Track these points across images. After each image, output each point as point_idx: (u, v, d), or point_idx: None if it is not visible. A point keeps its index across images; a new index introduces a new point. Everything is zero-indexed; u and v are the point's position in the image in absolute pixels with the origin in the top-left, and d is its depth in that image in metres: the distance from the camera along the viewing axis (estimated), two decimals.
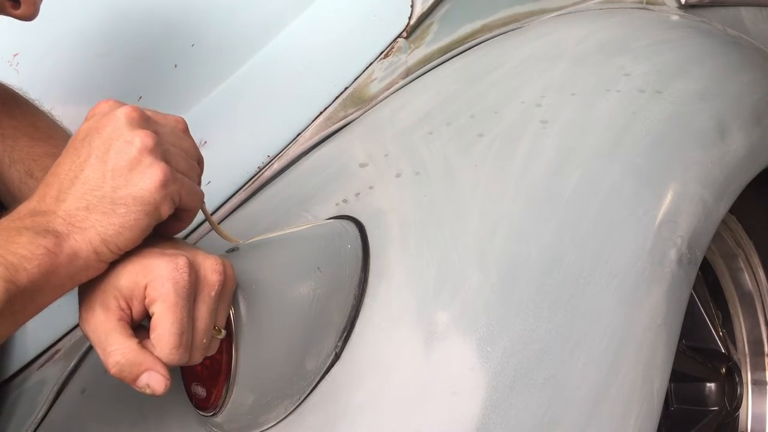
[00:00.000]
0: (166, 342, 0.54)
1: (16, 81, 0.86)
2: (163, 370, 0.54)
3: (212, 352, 0.58)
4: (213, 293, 0.56)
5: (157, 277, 0.54)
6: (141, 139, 0.54)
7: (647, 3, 1.13)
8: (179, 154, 0.58)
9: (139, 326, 0.57)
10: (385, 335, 0.65)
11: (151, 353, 0.54)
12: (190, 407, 0.64)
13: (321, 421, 0.64)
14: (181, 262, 0.55)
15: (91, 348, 0.76)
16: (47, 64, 0.99)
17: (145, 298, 0.55)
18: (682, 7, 1.17)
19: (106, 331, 0.54)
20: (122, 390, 0.72)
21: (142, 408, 0.70)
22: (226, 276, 0.57)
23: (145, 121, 0.56)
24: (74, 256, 0.53)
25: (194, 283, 0.55)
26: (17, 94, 0.83)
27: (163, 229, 0.58)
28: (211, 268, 0.56)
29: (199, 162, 0.61)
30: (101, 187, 0.54)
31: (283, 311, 0.63)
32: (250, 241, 0.65)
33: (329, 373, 0.65)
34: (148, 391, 0.53)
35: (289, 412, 0.64)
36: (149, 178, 0.54)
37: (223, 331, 0.58)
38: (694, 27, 1.08)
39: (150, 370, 0.53)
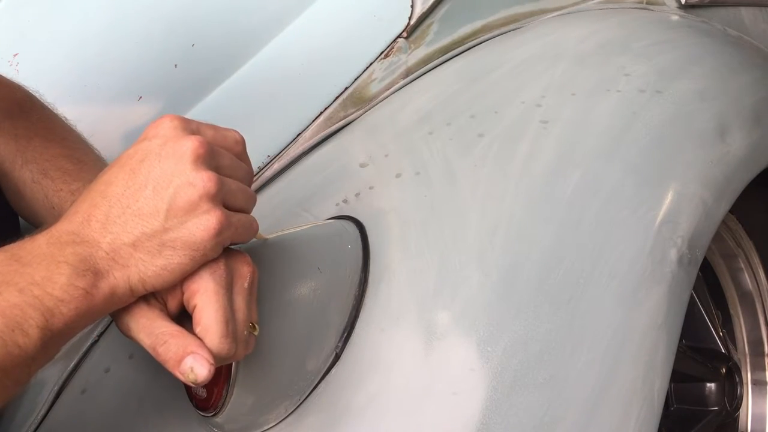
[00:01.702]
0: (215, 331, 0.53)
1: (15, 81, 0.86)
2: (208, 355, 0.52)
3: (250, 349, 0.57)
4: (246, 284, 0.56)
5: (194, 273, 0.54)
6: (204, 183, 0.52)
7: (647, 3, 1.13)
8: (239, 191, 0.56)
9: None
10: (386, 335, 0.65)
11: (199, 340, 0.53)
12: (191, 407, 0.64)
13: (321, 422, 0.64)
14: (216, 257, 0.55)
15: (91, 348, 0.76)
16: (47, 64, 0.99)
17: (182, 293, 0.55)
18: (682, 7, 1.17)
19: (151, 318, 0.54)
20: (122, 390, 0.72)
21: (143, 408, 0.70)
22: (254, 268, 0.57)
23: (210, 157, 0.54)
24: (111, 294, 0.52)
25: (230, 275, 0.55)
26: (33, 96, 0.83)
27: None
28: (241, 260, 0.56)
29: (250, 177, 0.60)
30: (152, 223, 0.52)
31: (283, 311, 0.63)
32: (249, 241, 0.65)
33: (329, 374, 0.65)
34: (191, 376, 0.51)
35: (289, 412, 0.64)
36: (203, 225, 0.52)
37: (258, 328, 0.57)
38: (694, 27, 1.08)
39: (195, 354, 0.51)
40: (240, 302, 0.55)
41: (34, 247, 0.51)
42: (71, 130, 0.82)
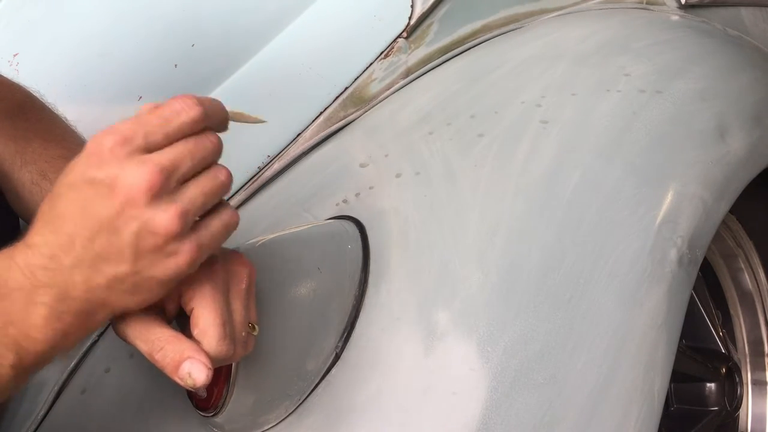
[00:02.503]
0: (212, 334, 0.53)
1: (15, 81, 0.86)
2: (205, 359, 0.52)
3: (249, 349, 0.57)
4: (243, 286, 0.56)
5: (190, 277, 0.53)
6: (165, 227, 0.48)
7: (647, 3, 1.13)
8: (208, 199, 0.51)
9: None
10: (386, 335, 0.65)
11: (196, 344, 0.53)
12: (191, 407, 0.64)
13: (321, 422, 0.64)
14: (212, 258, 0.54)
15: (91, 348, 0.76)
16: (47, 64, 0.99)
17: (179, 297, 0.55)
18: (682, 7, 1.17)
19: (147, 324, 0.53)
20: (122, 390, 0.72)
21: (143, 408, 0.70)
22: (251, 269, 0.57)
23: (166, 183, 0.48)
24: (89, 327, 0.52)
25: (227, 277, 0.55)
26: (34, 96, 0.83)
27: None
28: (238, 262, 0.56)
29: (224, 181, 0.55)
30: (121, 267, 0.49)
31: (284, 311, 0.63)
32: (250, 241, 0.65)
33: (329, 374, 0.65)
34: (189, 381, 0.51)
35: (289, 412, 0.64)
36: (174, 264, 0.50)
37: (257, 327, 0.57)
38: (694, 27, 1.08)
39: (192, 358, 0.51)
40: (237, 304, 0.55)
41: (9, 278, 0.50)
42: (71, 132, 0.82)
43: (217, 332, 0.53)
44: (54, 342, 0.50)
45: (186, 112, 0.51)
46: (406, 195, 0.73)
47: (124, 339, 0.55)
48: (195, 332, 0.53)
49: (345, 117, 0.89)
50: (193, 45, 0.95)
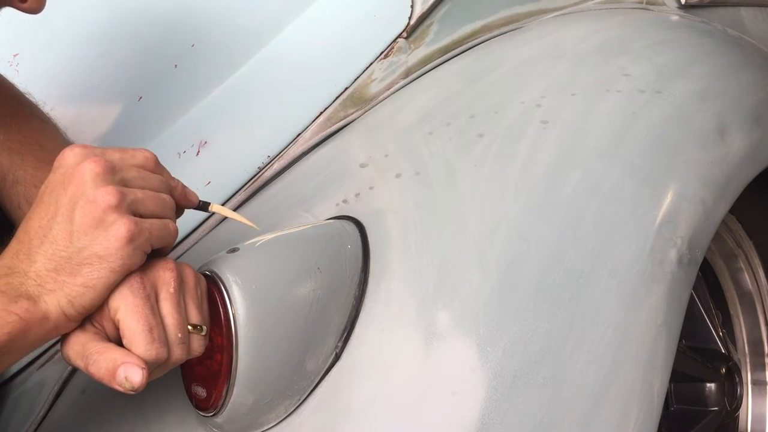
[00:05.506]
0: (138, 340, 0.55)
1: (16, 81, 0.87)
2: (137, 361, 0.54)
3: (197, 349, 0.59)
4: (171, 289, 0.57)
5: (113, 292, 0.56)
6: (104, 197, 0.54)
7: (647, 3, 1.13)
8: (148, 198, 0.57)
9: None
10: (386, 335, 0.65)
11: (126, 350, 0.55)
12: (190, 407, 0.64)
13: (321, 422, 0.64)
14: (131, 272, 0.56)
15: None
16: (47, 64, 0.99)
17: (110, 312, 0.56)
18: (682, 7, 1.17)
19: (83, 343, 0.56)
20: None
21: (143, 408, 0.70)
22: (180, 272, 0.58)
23: (110, 173, 0.56)
24: (44, 319, 0.54)
25: (151, 285, 0.57)
26: (25, 98, 0.83)
27: None
28: (162, 267, 0.58)
29: (175, 191, 0.61)
30: (68, 247, 0.54)
31: (283, 311, 0.63)
32: (250, 241, 0.65)
33: (329, 374, 0.65)
34: (127, 385, 0.53)
35: (289, 412, 0.64)
36: (113, 236, 0.54)
37: (204, 328, 0.59)
38: (694, 27, 1.08)
39: (125, 363, 0.53)
40: (168, 307, 0.57)
41: None
42: (62, 143, 0.82)
43: (144, 337, 0.55)
44: (11, 329, 0.52)
45: (142, 153, 0.60)
46: (406, 195, 0.73)
47: (69, 362, 0.57)
48: (124, 341, 0.55)
49: (345, 117, 0.89)
50: (193, 45, 0.95)
